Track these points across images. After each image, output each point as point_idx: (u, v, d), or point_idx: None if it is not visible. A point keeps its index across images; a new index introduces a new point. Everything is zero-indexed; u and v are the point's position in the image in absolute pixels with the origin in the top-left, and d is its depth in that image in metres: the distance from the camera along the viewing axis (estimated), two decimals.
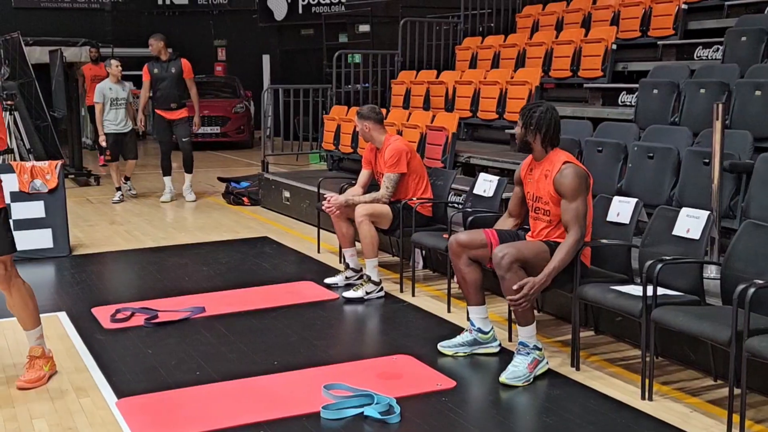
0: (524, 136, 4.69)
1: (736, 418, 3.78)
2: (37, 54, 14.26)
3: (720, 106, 5.02)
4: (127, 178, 10.88)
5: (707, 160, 5.26)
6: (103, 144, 10.47)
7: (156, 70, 10.22)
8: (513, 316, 4.94)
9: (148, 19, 20.79)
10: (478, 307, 4.88)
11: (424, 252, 6.91)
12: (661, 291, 4.22)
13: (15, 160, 10.36)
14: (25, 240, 7.34)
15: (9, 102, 10.80)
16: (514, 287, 4.39)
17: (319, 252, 7.63)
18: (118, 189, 10.58)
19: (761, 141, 5.73)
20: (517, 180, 4.98)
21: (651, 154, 5.82)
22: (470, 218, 5.69)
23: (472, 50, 10.49)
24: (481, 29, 11.36)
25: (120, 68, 10.43)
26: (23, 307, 4.48)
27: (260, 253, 7.73)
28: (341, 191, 6.91)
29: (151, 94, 10.48)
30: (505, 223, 5.07)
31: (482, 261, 4.82)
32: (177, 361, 4.84)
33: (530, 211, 4.84)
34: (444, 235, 5.82)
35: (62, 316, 5.75)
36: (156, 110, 10.36)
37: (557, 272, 4.46)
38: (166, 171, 10.54)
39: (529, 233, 4.86)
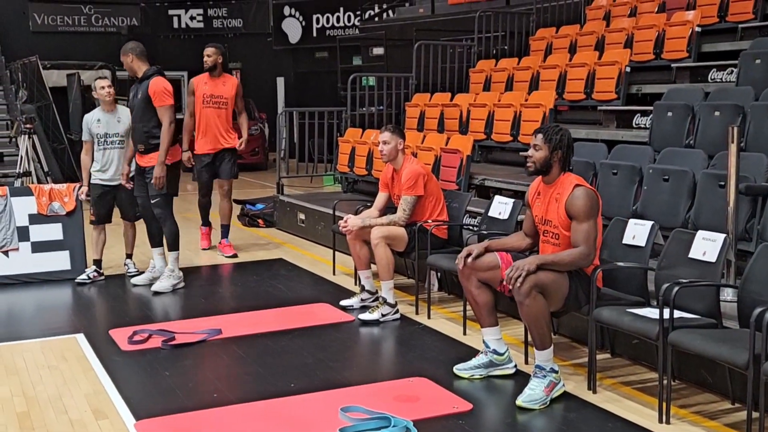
0: (549, 158, 4.68)
1: None
2: (54, 77, 14.36)
3: (735, 128, 5.03)
4: (128, 255, 7.77)
5: (723, 183, 5.27)
6: (82, 197, 7.54)
7: (131, 94, 7.08)
8: (530, 339, 4.94)
9: (164, 43, 20.99)
10: (492, 329, 4.89)
11: (439, 274, 6.92)
12: (677, 314, 4.22)
13: (33, 182, 10.47)
14: (43, 262, 7.44)
15: (27, 125, 10.90)
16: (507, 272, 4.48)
17: (334, 274, 7.66)
18: (96, 262, 7.54)
19: None
20: (527, 202, 5.00)
21: (666, 177, 5.83)
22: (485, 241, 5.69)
23: (486, 73, 10.54)
24: (494, 52, 11.42)
25: (108, 90, 7.23)
26: None
27: (276, 275, 7.76)
28: (356, 213, 6.94)
29: None
30: (518, 238, 5.07)
31: (492, 283, 4.83)
32: (194, 383, 4.87)
33: (540, 235, 4.85)
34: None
35: (80, 337, 5.79)
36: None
37: (548, 266, 4.49)
38: (154, 240, 7.33)
39: None
